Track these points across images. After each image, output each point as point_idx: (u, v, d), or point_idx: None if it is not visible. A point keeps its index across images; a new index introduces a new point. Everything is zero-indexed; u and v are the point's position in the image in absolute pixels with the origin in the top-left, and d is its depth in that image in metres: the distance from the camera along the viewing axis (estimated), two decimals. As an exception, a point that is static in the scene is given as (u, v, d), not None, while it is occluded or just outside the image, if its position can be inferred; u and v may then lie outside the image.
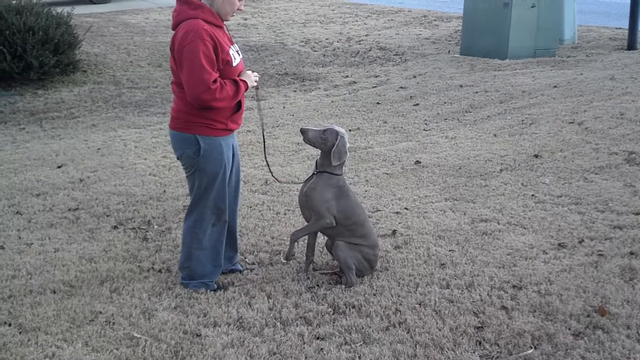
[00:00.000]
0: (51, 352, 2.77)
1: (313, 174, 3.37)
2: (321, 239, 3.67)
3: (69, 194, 4.88)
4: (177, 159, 3.28)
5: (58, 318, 3.06)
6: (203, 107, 3.06)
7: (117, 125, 7.18)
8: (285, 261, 3.63)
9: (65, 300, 3.24)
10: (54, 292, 3.33)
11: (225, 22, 3.18)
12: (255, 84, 3.29)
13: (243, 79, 3.18)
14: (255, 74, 3.33)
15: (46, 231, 4.18)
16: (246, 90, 3.20)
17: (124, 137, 6.62)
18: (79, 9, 12.06)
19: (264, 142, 3.75)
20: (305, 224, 3.44)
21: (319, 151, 3.37)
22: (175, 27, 3.12)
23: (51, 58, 8.51)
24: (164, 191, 4.91)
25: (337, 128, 3.32)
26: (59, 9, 9.24)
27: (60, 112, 7.83)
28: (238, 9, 3.18)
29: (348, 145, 3.35)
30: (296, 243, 3.45)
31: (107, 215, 4.44)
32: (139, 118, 7.51)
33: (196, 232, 3.27)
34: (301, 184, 3.48)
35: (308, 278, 3.45)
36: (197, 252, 3.29)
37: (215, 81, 3.00)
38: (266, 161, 3.76)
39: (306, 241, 3.56)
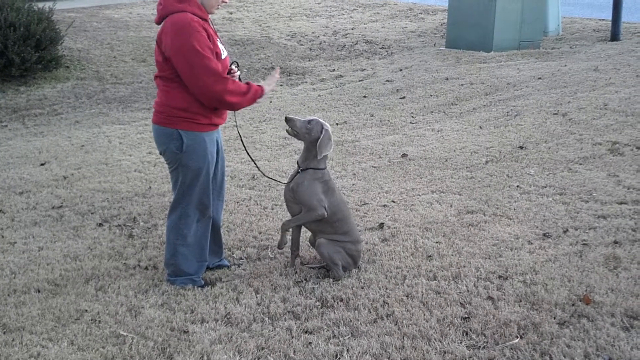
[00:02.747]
0: (36, 351, 2.74)
1: (297, 172, 3.36)
2: (307, 233, 3.66)
3: (52, 191, 4.83)
4: (160, 154, 3.24)
5: (43, 317, 3.03)
6: (216, 101, 3.01)
7: (101, 121, 7.11)
8: (278, 250, 3.62)
9: (50, 299, 3.21)
10: (39, 291, 3.29)
11: (210, 15, 3.15)
12: (273, 85, 3.26)
13: (261, 84, 3.18)
14: (278, 75, 3.30)
15: (30, 229, 4.13)
16: (262, 95, 3.16)
17: (108, 133, 6.56)
18: (61, 4, 11.91)
19: (241, 137, 3.75)
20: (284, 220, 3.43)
21: (302, 148, 3.35)
22: (160, 20, 3.07)
23: (33, 54, 8.39)
24: (150, 187, 4.88)
25: (321, 120, 3.32)
26: (41, 5, 9.11)
27: (43, 108, 7.74)
28: (223, 2, 3.15)
29: (332, 138, 3.35)
30: (288, 232, 3.42)
31: (92, 213, 4.40)
32: (123, 114, 7.44)
33: (181, 228, 3.24)
34: (286, 182, 3.47)
35: (296, 272, 3.45)
36: (182, 248, 3.27)
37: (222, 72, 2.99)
38: (248, 154, 3.74)
39: (290, 236, 3.55)
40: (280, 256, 3.65)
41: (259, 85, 3.18)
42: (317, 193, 3.29)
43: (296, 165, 3.40)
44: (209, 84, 2.95)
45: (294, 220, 3.37)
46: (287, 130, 3.33)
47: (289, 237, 3.51)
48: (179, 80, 3.03)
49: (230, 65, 3.25)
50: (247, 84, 3.13)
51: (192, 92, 3.01)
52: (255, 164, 3.71)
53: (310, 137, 3.27)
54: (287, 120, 3.28)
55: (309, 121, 3.28)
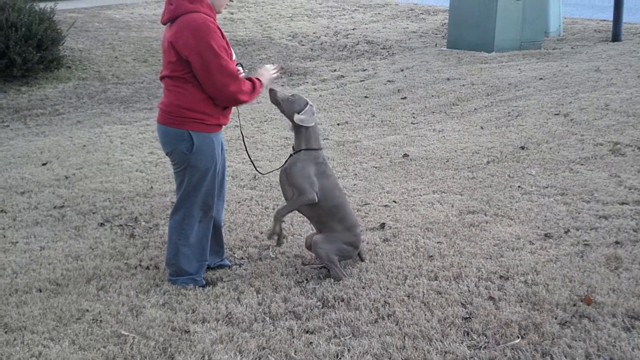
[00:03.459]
0: (37, 351, 2.74)
1: (291, 155, 3.37)
2: (302, 236, 3.66)
3: (54, 191, 4.84)
4: (167, 154, 3.24)
5: (44, 317, 3.03)
6: (230, 100, 3.05)
7: (102, 121, 7.12)
8: (269, 240, 3.57)
9: (52, 298, 3.21)
10: (40, 291, 3.30)
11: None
12: (271, 79, 3.28)
13: (258, 77, 3.19)
14: (272, 67, 3.32)
15: (31, 229, 4.14)
16: (261, 87, 3.20)
17: (110, 133, 6.57)
18: (62, 4, 11.93)
19: (243, 136, 3.76)
20: (286, 219, 3.43)
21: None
22: (168, 20, 3.07)
23: (34, 54, 8.41)
24: (151, 187, 4.88)
25: (306, 98, 3.36)
26: (42, 5, 9.13)
27: (45, 108, 7.75)
28: (227, 3, 3.17)
29: (316, 115, 3.35)
30: (281, 222, 3.41)
31: (94, 213, 4.40)
32: (125, 114, 7.45)
33: (184, 228, 3.25)
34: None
35: (296, 272, 3.45)
36: (183, 248, 3.27)
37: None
38: (247, 154, 3.75)
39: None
40: (281, 256, 3.65)
41: (257, 79, 3.20)
42: (309, 175, 3.27)
43: (291, 150, 3.41)
44: (225, 84, 2.98)
45: (286, 207, 3.33)
46: (270, 99, 3.33)
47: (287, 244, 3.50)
48: (192, 81, 3.03)
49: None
50: (250, 79, 3.16)
51: (207, 91, 3.02)
52: (252, 162, 3.71)
53: (292, 109, 3.29)
54: (270, 90, 3.30)
55: (292, 94, 3.33)
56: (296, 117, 3.27)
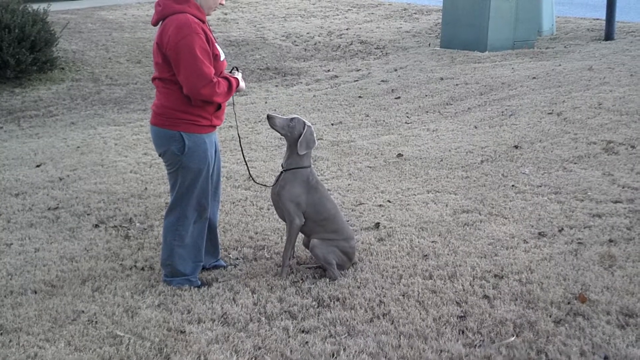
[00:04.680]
0: (33, 352, 2.74)
1: (281, 172, 3.37)
2: (301, 235, 3.66)
3: (48, 193, 4.82)
4: (159, 155, 3.24)
5: (40, 318, 3.03)
6: (203, 102, 3.06)
7: (96, 122, 7.10)
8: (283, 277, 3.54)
9: (47, 300, 3.21)
10: (35, 292, 3.29)
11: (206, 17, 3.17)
12: (244, 83, 3.31)
13: (234, 76, 3.20)
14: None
15: (26, 231, 4.12)
16: (237, 87, 3.20)
17: (104, 134, 6.55)
18: (55, 6, 11.89)
19: (240, 141, 3.76)
20: (280, 221, 3.45)
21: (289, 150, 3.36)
22: (158, 21, 3.08)
23: (28, 56, 8.37)
24: (146, 188, 4.88)
25: (303, 118, 3.35)
26: (35, 6, 9.09)
27: (38, 110, 7.72)
28: (220, 4, 3.17)
29: (315, 135, 3.35)
30: (289, 260, 3.45)
31: (88, 214, 4.39)
32: (119, 115, 7.43)
33: (178, 229, 3.25)
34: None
35: (292, 272, 3.46)
36: (178, 249, 3.27)
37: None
38: (245, 161, 3.75)
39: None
40: (276, 256, 3.66)
41: (234, 78, 3.19)
42: (297, 195, 3.30)
43: (281, 168, 3.41)
44: (198, 87, 2.98)
45: (286, 246, 3.41)
46: (270, 125, 3.35)
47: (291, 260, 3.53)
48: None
49: (231, 72, 3.27)
50: (227, 79, 3.13)
51: (184, 89, 3.02)
52: (248, 168, 3.70)
53: (293, 135, 3.30)
54: (269, 117, 3.31)
55: (291, 119, 3.31)
56: (300, 150, 3.28)
